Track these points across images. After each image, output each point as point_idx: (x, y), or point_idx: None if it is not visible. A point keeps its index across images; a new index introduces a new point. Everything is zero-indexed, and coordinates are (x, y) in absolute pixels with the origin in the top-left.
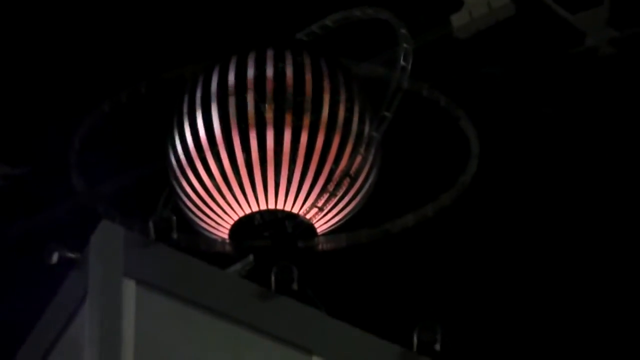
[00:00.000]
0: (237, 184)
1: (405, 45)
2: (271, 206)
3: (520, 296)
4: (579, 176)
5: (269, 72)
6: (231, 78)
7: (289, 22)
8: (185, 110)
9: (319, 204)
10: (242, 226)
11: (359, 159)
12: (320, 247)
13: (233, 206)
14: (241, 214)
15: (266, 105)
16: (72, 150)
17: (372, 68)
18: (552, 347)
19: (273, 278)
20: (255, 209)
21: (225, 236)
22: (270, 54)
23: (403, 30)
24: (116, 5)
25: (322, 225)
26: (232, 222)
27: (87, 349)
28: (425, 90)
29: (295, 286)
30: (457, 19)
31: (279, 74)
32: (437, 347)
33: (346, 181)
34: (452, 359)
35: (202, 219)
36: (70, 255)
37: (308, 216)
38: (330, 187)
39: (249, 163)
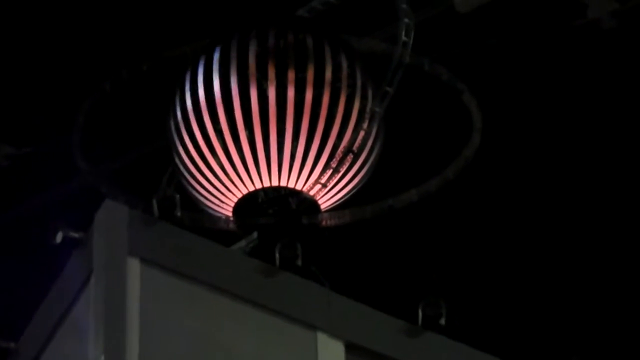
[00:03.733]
0: (240, 161)
1: (406, 20)
2: (274, 183)
3: (525, 270)
4: (583, 150)
5: (271, 49)
6: (233, 56)
7: None
8: (187, 88)
9: (323, 180)
10: (246, 203)
11: (361, 134)
12: (324, 223)
13: (236, 183)
14: (244, 192)
15: (268, 83)
16: (75, 129)
17: (374, 43)
18: (556, 322)
19: (277, 255)
20: (258, 186)
21: (229, 213)
22: (271, 31)
23: (404, 5)
24: None
25: (325, 201)
26: (235, 200)
27: (92, 327)
28: (426, 65)
29: (299, 262)
30: None
31: (281, 51)
32: (442, 321)
33: (349, 157)
34: (457, 334)
35: (205, 196)
36: (74, 234)
37: (312, 192)
38: (334, 164)
39: (251, 140)
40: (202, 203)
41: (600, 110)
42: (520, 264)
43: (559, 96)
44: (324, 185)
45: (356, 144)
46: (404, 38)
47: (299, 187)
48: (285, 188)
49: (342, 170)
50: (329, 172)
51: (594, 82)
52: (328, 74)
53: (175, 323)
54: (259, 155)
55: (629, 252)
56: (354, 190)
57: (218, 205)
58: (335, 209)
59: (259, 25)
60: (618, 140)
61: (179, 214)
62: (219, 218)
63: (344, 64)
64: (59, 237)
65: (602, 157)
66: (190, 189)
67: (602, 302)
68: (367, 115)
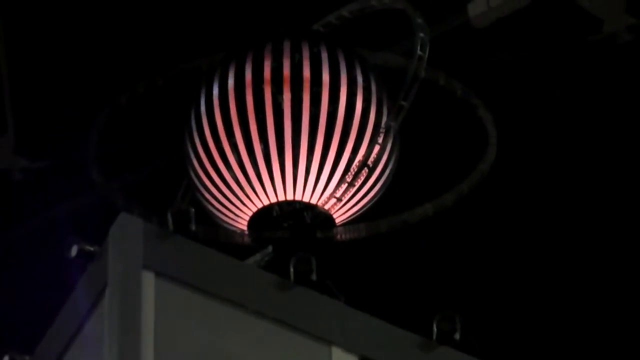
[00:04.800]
0: (255, 175)
1: (421, 34)
2: (289, 197)
3: (543, 286)
4: (601, 163)
5: (286, 63)
6: (248, 70)
7: (306, 13)
8: (202, 102)
9: (337, 195)
10: (261, 217)
11: (376, 149)
12: (339, 237)
13: (251, 197)
14: (260, 206)
15: (283, 97)
16: (90, 143)
17: (389, 58)
18: (575, 340)
19: (292, 269)
20: (273, 200)
21: (244, 227)
22: (287, 45)
23: (419, 20)
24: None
25: (340, 215)
26: (250, 214)
27: (107, 341)
28: (442, 79)
29: (314, 277)
30: (474, 8)
31: (296, 65)
32: (457, 336)
33: (364, 171)
34: (472, 348)
35: (220, 210)
36: (89, 248)
37: (326, 207)
38: (349, 178)
39: (266, 154)
40: (217, 217)
41: (617, 125)
42: (538, 279)
43: (575, 111)
44: (339, 200)
45: (371, 158)
46: (419, 52)
47: (313, 201)
48: (300, 202)
49: (357, 185)
50: (344, 186)
51: (610, 97)
52: (343, 88)
53: (190, 337)
54: (274, 169)
55: None
56: (368, 205)
57: (233, 219)
58: (350, 223)
59: (274, 39)
60: (636, 155)
61: (193, 227)
62: (234, 232)
63: (359, 78)
64: (73, 251)
65: (620, 173)
66: (205, 202)
67: (626, 322)
68: (382, 130)
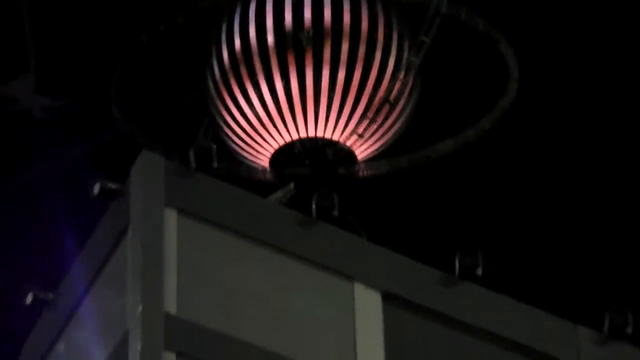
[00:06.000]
0: (277, 112)
1: None
2: (311, 134)
3: (565, 220)
4: (623, 99)
5: (307, 1)
6: (269, 7)
7: None
8: (223, 40)
9: (359, 131)
10: (283, 154)
11: (398, 85)
12: (360, 173)
13: (273, 134)
14: (281, 142)
15: (304, 33)
16: (112, 81)
17: None
18: (595, 271)
19: (314, 205)
20: (295, 136)
21: (266, 164)
22: None
23: None
24: None
25: (362, 151)
26: (272, 151)
27: (130, 278)
28: (463, 15)
29: (336, 213)
30: None
31: (317, 2)
32: (479, 271)
33: (386, 107)
34: (493, 283)
35: (242, 147)
36: (112, 186)
37: (348, 143)
38: (370, 114)
39: (288, 91)
40: (239, 154)
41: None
42: (559, 214)
43: (598, 47)
44: (361, 136)
45: (393, 95)
46: None
47: (335, 137)
48: (322, 139)
49: (379, 121)
50: (366, 122)
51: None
52: (364, 25)
53: (212, 274)
54: (296, 105)
55: None
56: (390, 141)
57: (255, 156)
58: (372, 159)
59: None
60: None
61: (215, 165)
62: (256, 169)
63: (381, 15)
64: (96, 189)
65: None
66: (227, 139)
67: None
68: (404, 66)
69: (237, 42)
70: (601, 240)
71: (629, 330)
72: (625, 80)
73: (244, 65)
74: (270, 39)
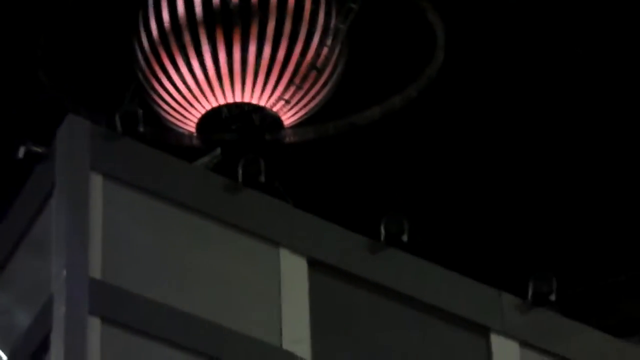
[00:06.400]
0: (204, 77)
1: None
2: (238, 99)
3: (488, 188)
4: (550, 69)
5: None
6: None
7: None
8: (150, 3)
9: (286, 97)
10: (210, 119)
11: (325, 51)
12: (287, 139)
13: (200, 99)
14: (208, 107)
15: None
16: (37, 45)
17: None
18: (519, 239)
19: (240, 171)
20: (222, 101)
21: (193, 129)
22: None
23: None
24: None
25: (289, 118)
26: (199, 116)
27: (54, 241)
28: None
29: (262, 179)
30: None
31: None
32: (405, 238)
33: (313, 74)
34: (419, 250)
35: (169, 112)
36: (37, 149)
37: (275, 109)
38: (297, 80)
39: (215, 56)
40: (166, 119)
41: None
42: (484, 181)
43: (529, 16)
44: (288, 102)
45: (320, 61)
46: None
47: (262, 103)
48: (249, 104)
49: (306, 87)
50: (293, 88)
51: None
52: None
53: (137, 238)
54: (222, 71)
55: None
56: (317, 107)
57: (181, 121)
58: (299, 125)
59: None
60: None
61: (142, 129)
62: (183, 134)
63: None
64: (21, 152)
65: (561, 81)
66: (154, 104)
67: (567, 219)
68: (331, 32)
69: (165, 6)
70: (526, 208)
71: (553, 297)
72: (549, 46)
73: (171, 29)
74: (197, 3)
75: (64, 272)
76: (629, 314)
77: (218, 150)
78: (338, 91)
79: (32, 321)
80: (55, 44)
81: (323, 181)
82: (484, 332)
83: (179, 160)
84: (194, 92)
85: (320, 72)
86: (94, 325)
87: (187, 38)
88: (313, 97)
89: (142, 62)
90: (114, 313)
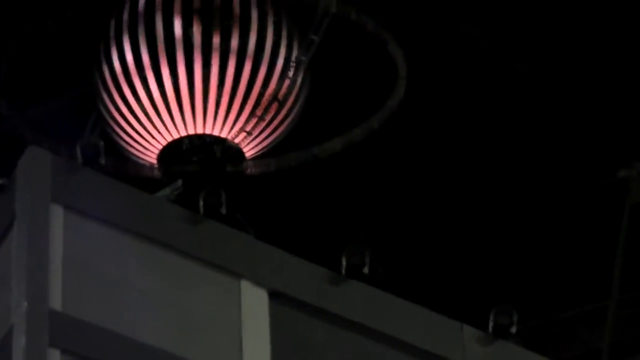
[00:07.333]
0: (165, 108)
1: None
2: (199, 131)
3: (449, 220)
4: (508, 101)
5: None
6: (158, 3)
7: None
8: (112, 34)
9: (248, 128)
10: (171, 151)
11: (287, 83)
12: (248, 171)
13: (161, 131)
14: (169, 139)
15: (194, 30)
16: None
17: None
18: (481, 271)
19: (201, 202)
20: (183, 133)
21: (154, 161)
22: None
23: None
24: None
25: (250, 149)
26: (160, 147)
27: (14, 274)
28: (353, 15)
29: (223, 210)
30: None
31: None
32: (366, 270)
33: (274, 105)
34: (380, 282)
35: (130, 143)
36: None
37: (236, 140)
38: (259, 112)
39: (176, 87)
40: (127, 150)
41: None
42: (446, 213)
43: (484, 47)
44: (249, 134)
45: (281, 93)
46: None
47: (224, 134)
48: (210, 136)
49: (267, 119)
50: (255, 120)
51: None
52: (254, 21)
53: (98, 270)
54: (184, 102)
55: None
56: (278, 139)
57: (142, 153)
58: (260, 157)
59: None
60: (540, 92)
61: (103, 161)
62: (144, 165)
63: (270, 12)
64: None
65: (528, 105)
66: (115, 135)
67: (527, 252)
68: (293, 64)
69: (125, 38)
70: (487, 241)
71: (514, 329)
72: (511, 82)
73: (133, 60)
74: (159, 33)
75: (25, 304)
76: (589, 345)
77: (179, 182)
78: (299, 122)
79: None
80: (15, 73)
81: (284, 212)
82: None
83: (140, 192)
84: (155, 123)
85: (282, 103)
86: (54, 357)
87: (148, 69)
88: (275, 129)
89: (102, 91)
90: (74, 345)
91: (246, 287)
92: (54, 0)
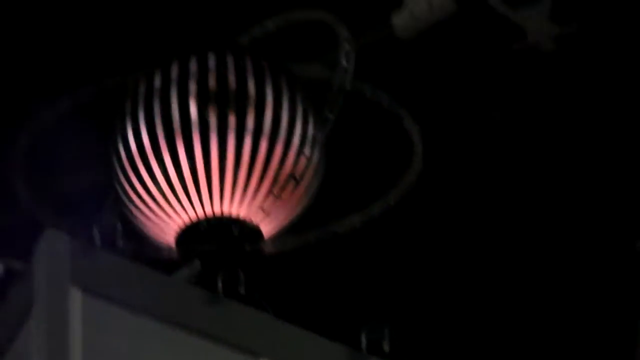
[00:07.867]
0: (182, 189)
1: (346, 46)
2: (217, 211)
3: (469, 296)
4: (523, 173)
5: (212, 77)
6: (173, 84)
7: (230, 26)
8: (127, 116)
9: (265, 207)
10: (188, 232)
11: (303, 161)
12: (267, 250)
13: (179, 212)
14: (187, 220)
15: (209, 109)
16: (15, 160)
17: (315, 70)
18: (505, 350)
19: (220, 282)
20: (200, 214)
21: (172, 242)
22: (212, 58)
23: (344, 32)
24: (50, 12)
25: (268, 228)
26: (177, 229)
27: (35, 358)
28: (368, 91)
29: (242, 290)
30: (398, 18)
31: (221, 78)
32: (386, 346)
33: (291, 183)
34: (401, 358)
35: (147, 226)
36: (16, 265)
37: (254, 220)
38: (276, 190)
39: (193, 169)
40: (145, 232)
41: (543, 134)
42: (465, 289)
43: (501, 118)
44: (267, 212)
45: (298, 171)
46: (344, 64)
47: (241, 214)
48: (228, 216)
49: (285, 197)
50: (272, 198)
51: (535, 105)
52: (269, 99)
53: (118, 352)
54: (201, 183)
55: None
56: (296, 217)
57: (160, 235)
58: (278, 235)
59: (199, 52)
60: (557, 164)
61: (121, 243)
62: (162, 247)
63: (285, 90)
64: (1, 269)
65: (543, 178)
66: (132, 218)
67: (550, 332)
68: (309, 142)
69: (142, 120)
70: (511, 319)
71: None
72: (532, 150)
73: (149, 143)
74: (175, 116)
75: None
76: None
77: (197, 263)
78: (317, 200)
79: None
80: (32, 157)
81: (303, 291)
82: None
83: (158, 274)
84: (173, 205)
85: (298, 181)
86: None
87: (165, 151)
88: (292, 207)
89: (119, 174)
90: None
91: None
92: (69, 84)
